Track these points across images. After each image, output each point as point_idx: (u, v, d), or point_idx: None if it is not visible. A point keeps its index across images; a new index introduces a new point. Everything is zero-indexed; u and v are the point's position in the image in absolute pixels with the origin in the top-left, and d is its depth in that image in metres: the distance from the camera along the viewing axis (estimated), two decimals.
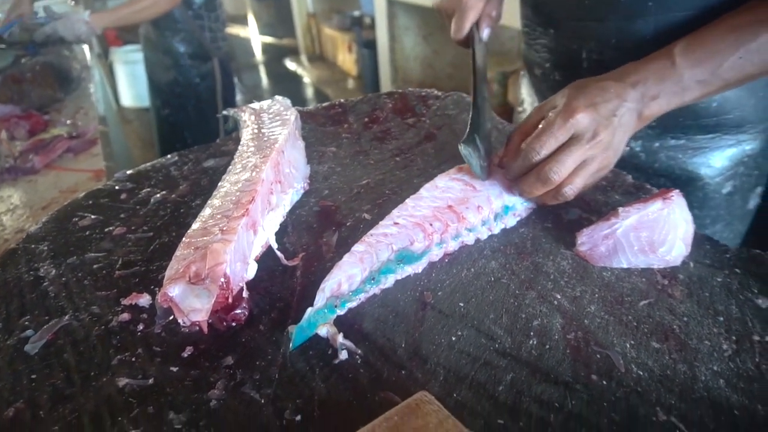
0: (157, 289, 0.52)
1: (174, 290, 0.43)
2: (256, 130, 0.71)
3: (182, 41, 2.06)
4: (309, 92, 4.74)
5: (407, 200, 0.58)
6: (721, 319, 0.47)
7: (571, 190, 0.55)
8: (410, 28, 3.41)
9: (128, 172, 0.75)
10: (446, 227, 0.55)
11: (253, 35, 6.18)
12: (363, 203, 0.65)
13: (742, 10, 0.56)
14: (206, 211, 0.54)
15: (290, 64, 5.38)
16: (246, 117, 0.77)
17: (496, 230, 0.59)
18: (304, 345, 0.45)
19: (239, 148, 0.67)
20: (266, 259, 0.55)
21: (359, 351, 0.44)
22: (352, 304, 0.49)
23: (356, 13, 4.39)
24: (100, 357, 0.45)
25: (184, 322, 0.44)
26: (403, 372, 0.43)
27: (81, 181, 1.04)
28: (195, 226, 0.51)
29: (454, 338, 0.46)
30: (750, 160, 0.77)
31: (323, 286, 0.46)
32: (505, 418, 0.39)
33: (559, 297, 0.50)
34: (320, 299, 0.46)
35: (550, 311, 0.48)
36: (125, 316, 0.49)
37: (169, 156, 0.79)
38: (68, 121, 1.34)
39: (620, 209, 0.54)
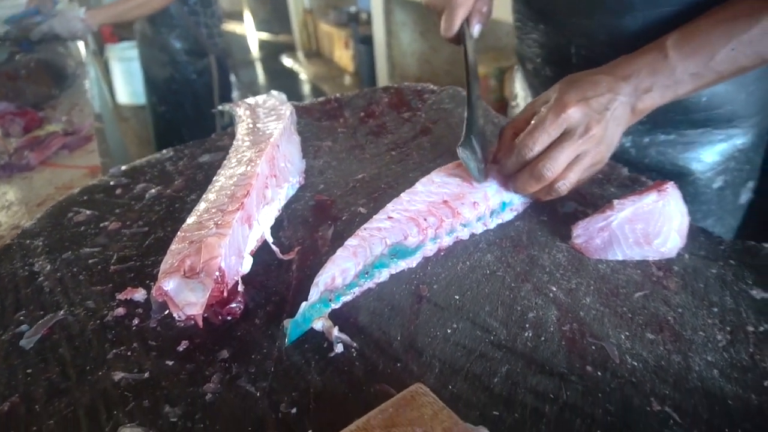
0: (152, 283, 0.52)
1: (169, 284, 0.43)
2: (251, 125, 0.71)
3: (178, 37, 2.05)
4: (306, 89, 4.73)
5: (402, 194, 0.58)
6: (716, 310, 0.48)
7: (564, 186, 0.55)
8: (407, 24, 3.40)
9: (123, 167, 0.75)
10: (441, 222, 0.55)
11: (249, 31, 6.16)
12: (358, 197, 0.65)
13: (734, 2, 0.56)
14: (201, 206, 0.53)
15: (287, 61, 5.36)
16: (241, 112, 0.77)
17: (492, 225, 0.59)
18: (300, 338, 0.45)
19: (234, 142, 0.67)
20: (262, 253, 0.55)
21: (355, 344, 0.45)
22: (347, 298, 0.49)
23: (353, 9, 4.37)
24: (95, 351, 0.45)
25: (179, 316, 0.44)
26: (398, 364, 0.43)
27: (76, 177, 1.04)
28: (190, 220, 0.51)
29: (449, 331, 0.46)
30: (741, 154, 0.77)
31: (317, 281, 0.46)
32: (501, 410, 0.39)
33: (554, 289, 0.50)
34: (314, 293, 0.46)
35: (545, 303, 0.48)
36: (120, 310, 0.49)
37: (164, 151, 0.79)
38: (63, 118, 1.34)
39: (615, 202, 0.54)
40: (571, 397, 0.40)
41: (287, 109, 0.75)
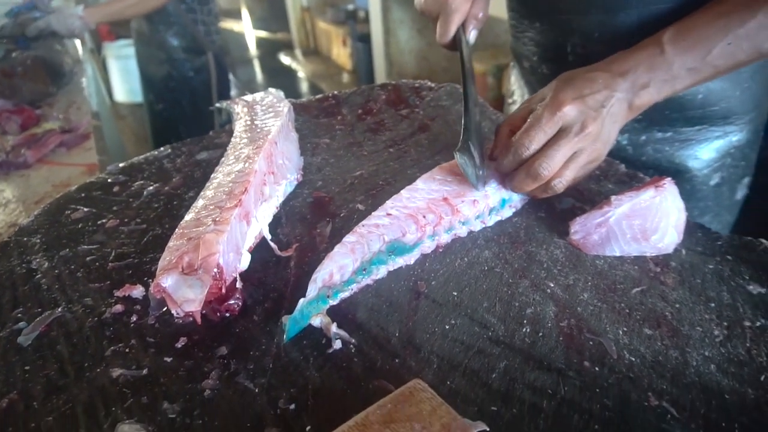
0: (150, 280, 0.52)
1: (167, 281, 0.43)
2: (249, 122, 0.71)
3: (176, 35, 2.05)
4: (304, 86, 4.73)
5: (402, 191, 0.58)
6: (713, 305, 0.48)
7: (560, 184, 0.55)
8: (405, 22, 3.40)
9: (121, 164, 0.75)
10: (440, 220, 0.55)
11: (246, 29, 6.14)
12: (356, 194, 0.65)
13: None
14: (199, 203, 0.53)
15: (285, 59, 5.36)
16: (239, 109, 0.76)
17: (491, 222, 0.59)
18: (298, 335, 0.45)
19: (232, 139, 0.67)
20: (260, 250, 0.55)
21: (353, 340, 0.45)
22: (345, 295, 0.49)
23: (350, 7, 4.36)
24: (93, 348, 0.45)
25: (177, 313, 0.44)
26: (396, 360, 0.43)
27: (74, 175, 1.04)
28: (188, 217, 0.51)
29: (447, 327, 0.46)
30: (737, 151, 0.77)
31: (315, 277, 0.46)
32: (499, 405, 0.39)
33: (552, 285, 0.50)
34: (312, 290, 0.46)
35: (543, 299, 0.48)
36: (118, 307, 0.49)
37: (162, 148, 0.79)
38: (61, 116, 1.33)
39: (613, 198, 0.54)
40: (569, 392, 0.40)
41: (285, 107, 0.75)
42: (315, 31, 5.17)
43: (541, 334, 0.45)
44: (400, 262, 0.53)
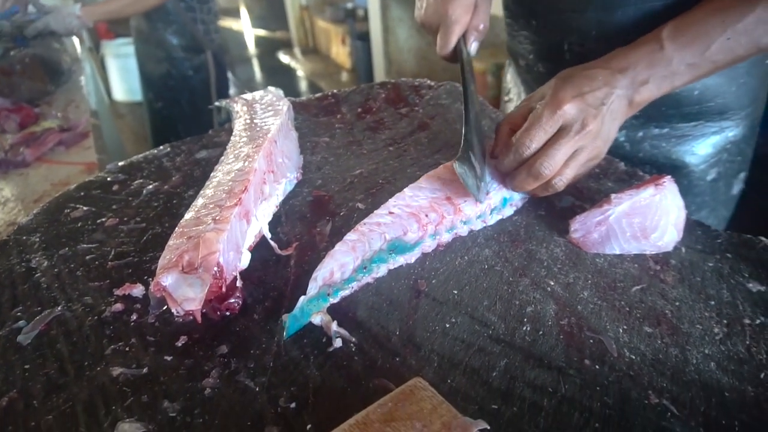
0: (150, 279, 0.52)
1: (167, 279, 0.43)
2: (248, 121, 0.71)
3: (175, 33, 2.04)
4: (303, 85, 4.72)
5: (405, 189, 0.58)
6: (713, 303, 0.48)
7: (561, 182, 0.55)
8: (404, 20, 3.39)
9: (120, 163, 0.75)
10: (441, 219, 0.55)
11: (245, 28, 6.14)
12: (356, 193, 0.65)
13: None
14: (199, 201, 0.53)
15: (284, 57, 5.35)
16: (238, 107, 0.76)
17: (492, 221, 0.59)
18: (299, 333, 0.45)
19: (232, 138, 0.67)
20: (260, 248, 0.55)
21: (353, 339, 0.45)
22: (345, 293, 0.49)
23: (349, 5, 4.36)
24: (93, 347, 0.45)
25: (177, 312, 0.44)
26: (397, 359, 0.43)
27: (73, 174, 1.04)
28: (188, 216, 0.51)
29: (448, 325, 0.46)
30: (733, 146, 0.78)
31: (315, 275, 0.46)
32: (499, 403, 0.39)
33: (552, 283, 0.50)
34: (312, 288, 0.46)
35: (543, 298, 0.49)
36: (118, 306, 0.49)
37: (161, 147, 0.79)
38: (59, 114, 1.33)
39: (613, 196, 0.54)
40: (569, 390, 0.40)
41: (284, 105, 0.75)
42: (314, 29, 5.17)
43: (541, 332, 0.45)
44: (401, 260, 0.53)
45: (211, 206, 0.51)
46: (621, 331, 0.45)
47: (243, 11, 6.18)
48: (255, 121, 0.70)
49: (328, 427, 0.35)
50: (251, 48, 5.95)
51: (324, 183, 0.68)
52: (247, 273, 0.52)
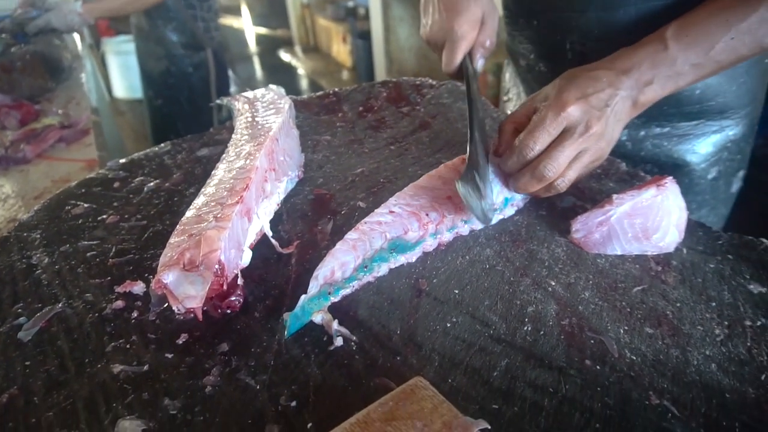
0: (151, 276, 0.52)
1: (168, 277, 0.43)
2: (250, 119, 0.71)
3: (175, 30, 2.04)
4: (303, 83, 4.72)
5: (406, 188, 0.58)
6: (714, 304, 0.48)
7: (563, 183, 0.55)
8: (405, 19, 3.39)
9: (121, 160, 0.75)
10: (442, 218, 0.55)
11: (246, 26, 6.13)
12: (358, 191, 0.65)
13: None
14: (200, 199, 0.53)
15: (284, 55, 5.35)
16: (240, 105, 0.76)
17: (494, 221, 0.59)
18: (299, 332, 0.45)
19: (233, 136, 0.67)
20: (261, 246, 0.55)
21: (354, 338, 0.45)
22: (346, 292, 0.49)
23: (350, 4, 4.36)
24: (94, 344, 0.45)
25: (178, 309, 0.44)
26: (398, 358, 0.43)
27: (73, 171, 1.04)
28: (189, 213, 0.51)
29: (449, 325, 0.46)
30: (733, 145, 0.78)
31: (316, 274, 0.46)
32: (500, 403, 0.39)
33: (553, 284, 0.50)
34: (313, 287, 0.46)
35: (544, 298, 0.48)
36: (119, 303, 0.49)
37: (162, 145, 0.79)
38: (60, 111, 1.33)
39: (614, 196, 0.54)
40: (570, 390, 0.40)
41: (286, 103, 0.75)
42: (315, 28, 5.16)
43: (542, 332, 0.45)
44: (402, 259, 0.53)
45: (212, 204, 0.51)
46: (622, 331, 0.45)
47: (244, 9, 6.17)
48: (256, 119, 0.70)
49: (328, 425, 0.35)
50: (252, 46, 5.95)
51: (325, 181, 0.68)
52: (248, 271, 0.52)
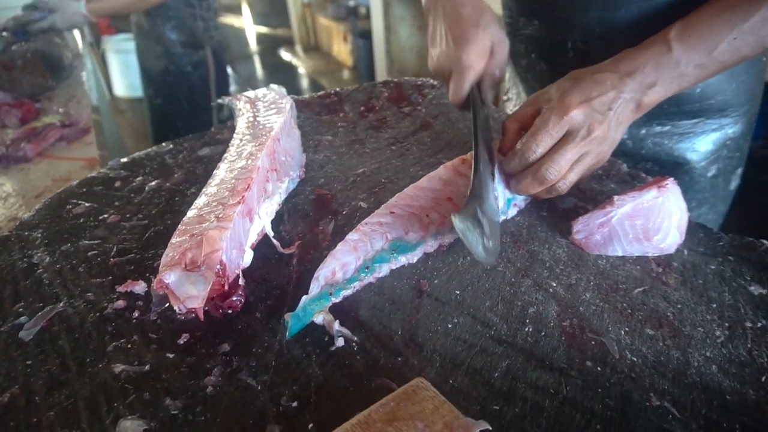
0: (152, 276, 0.52)
1: (170, 277, 0.43)
2: (251, 119, 0.71)
3: (174, 29, 2.04)
4: (304, 83, 4.72)
5: (407, 189, 0.58)
6: (714, 306, 0.48)
7: (564, 185, 0.55)
8: (405, 19, 3.39)
9: (122, 160, 0.75)
10: (443, 219, 0.55)
11: (247, 25, 6.13)
12: (359, 192, 0.65)
13: None
14: (202, 199, 0.53)
15: (285, 55, 5.35)
16: (241, 105, 0.76)
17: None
18: (301, 332, 0.45)
19: (234, 136, 0.67)
20: (262, 247, 0.55)
21: (355, 338, 0.45)
22: (347, 292, 0.49)
23: (351, 3, 4.35)
24: (95, 344, 0.45)
25: (179, 309, 0.44)
26: (399, 359, 0.43)
27: (74, 169, 1.04)
28: (191, 213, 0.51)
29: (450, 325, 0.46)
30: (732, 143, 0.79)
31: (317, 275, 0.46)
32: (501, 404, 0.39)
33: (554, 285, 0.50)
34: (314, 287, 0.46)
35: (545, 299, 0.49)
36: (120, 303, 0.49)
37: (163, 144, 0.79)
38: (60, 110, 1.33)
39: (615, 197, 0.54)
40: (570, 391, 0.40)
41: (287, 103, 0.75)
42: (316, 27, 5.16)
43: (543, 333, 0.45)
44: (403, 260, 0.53)
45: (214, 204, 0.51)
46: (623, 332, 0.45)
47: (244, 8, 6.17)
48: (258, 119, 0.70)
49: (329, 426, 0.35)
50: (252, 45, 5.95)
51: (327, 182, 0.68)
52: (250, 271, 0.52)
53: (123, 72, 3.84)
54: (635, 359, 0.43)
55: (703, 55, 0.54)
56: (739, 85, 0.74)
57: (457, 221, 0.45)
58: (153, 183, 0.68)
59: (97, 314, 0.48)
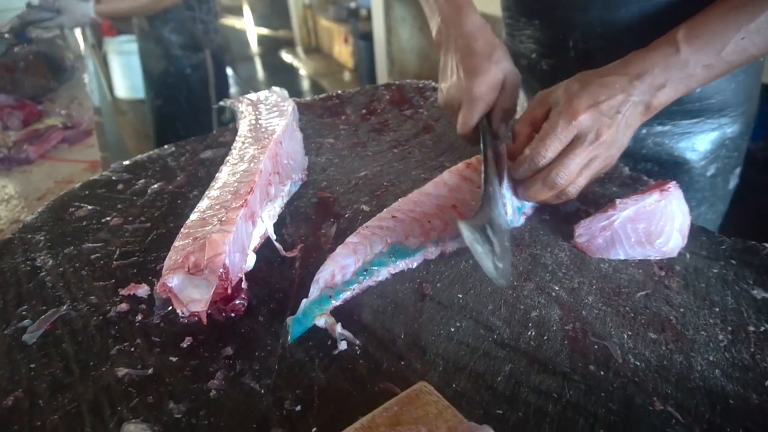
0: (155, 279, 0.52)
1: (173, 280, 0.43)
2: (253, 121, 0.71)
3: (173, 31, 2.05)
4: (305, 84, 4.72)
5: (411, 194, 0.57)
6: (717, 309, 0.48)
7: (574, 190, 0.55)
8: (406, 20, 3.39)
9: (125, 162, 0.75)
10: (445, 226, 0.54)
11: (248, 26, 6.13)
12: (361, 195, 0.65)
13: None
14: (204, 202, 0.53)
15: (286, 56, 5.35)
16: (243, 108, 0.76)
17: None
18: (304, 335, 0.45)
19: (236, 139, 0.67)
20: (265, 250, 0.55)
21: (358, 341, 0.45)
22: (347, 295, 0.49)
23: (352, 5, 4.36)
24: (98, 347, 0.45)
25: (183, 313, 0.44)
26: (402, 362, 0.43)
27: (76, 171, 1.04)
28: (193, 216, 0.51)
29: (452, 329, 0.46)
30: (731, 142, 0.79)
31: (317, 278, 0.46)
32: (504, 408, 0.39)
33: (557, 288, 0.50)
34: (314, 290, 0.46)
35: (548, 302, 0.49)
36: (123, 306, 0.49)
37: (165, 147, 0.79)
38: (62, 111, 1.33)
39: (618, 201, 0.54)
40: (573, 396, 0.40)
41: (289, 106, 0.75)
42: (317, 28, 5.17)
43: (546, 337, 0.45)
44: (402, 265, 0.53)
45: (216, 207, 0.51)
46: (625, 336, 0.45)
47: (246, 9, 6.17)
48: (260, 121, 0.70)
49: (333, 429, 0.35)
50: (253, 46, 5.95)
51: (329, 184, 0.68)
52: (252, 274, 0.52)
53: (124, 73, 3.84)
54: (638, 363, 0.43)
55: (712, 56, 0.54)
56: (738, 84, 0.74)
57: (464, 229, 0.44)
58: (155, 186, 0.69)
59: (100, 317, 0.48)
